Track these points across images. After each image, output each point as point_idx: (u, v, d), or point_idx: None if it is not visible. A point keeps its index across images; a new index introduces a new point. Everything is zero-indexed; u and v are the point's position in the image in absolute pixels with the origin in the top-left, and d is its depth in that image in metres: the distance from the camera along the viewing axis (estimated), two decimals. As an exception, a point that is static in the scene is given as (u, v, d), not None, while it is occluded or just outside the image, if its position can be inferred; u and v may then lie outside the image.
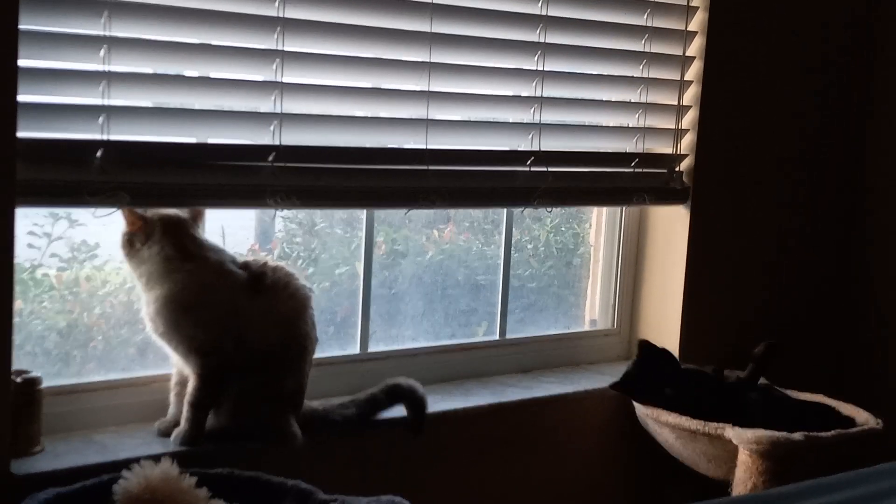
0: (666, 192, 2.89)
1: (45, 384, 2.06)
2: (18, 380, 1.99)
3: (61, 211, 2.16)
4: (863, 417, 2.62)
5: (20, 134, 1.87)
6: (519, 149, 2.62)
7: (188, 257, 2.11)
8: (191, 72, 2.22)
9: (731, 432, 2.45)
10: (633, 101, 2.83)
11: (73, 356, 2.22)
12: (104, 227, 2.11)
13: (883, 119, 3.30)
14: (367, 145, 2.43)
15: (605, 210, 3.02)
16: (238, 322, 2.14)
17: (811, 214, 3.27)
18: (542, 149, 2.62)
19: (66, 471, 1.95)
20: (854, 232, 3.35)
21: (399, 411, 2.39)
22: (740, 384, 2.72)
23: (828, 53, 3.21)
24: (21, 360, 2.09)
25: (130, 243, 2.11)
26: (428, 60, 2.41)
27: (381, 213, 2.58)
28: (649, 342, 2.73)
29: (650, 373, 2.67)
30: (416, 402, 2.37)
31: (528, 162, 2.60)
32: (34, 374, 2.04)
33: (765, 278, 3.18)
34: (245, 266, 2.19)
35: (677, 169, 2.91)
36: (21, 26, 1.86)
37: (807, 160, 3.23)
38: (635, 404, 2.69)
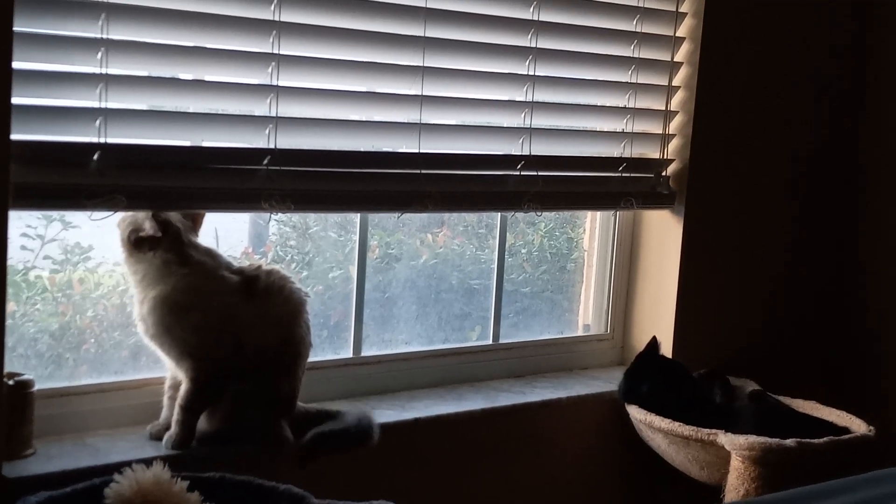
0: (653, 197, 2.90)
1: (38, 387, 2.05)
2: (10, 382, 1.99)
3: (55, 213, 2.16)
4: (855, 424, 2.62)
5: (15, 136, 1.86)
6: (510, 153, 2.63)
7: (185, 262, 2.11)
8: (187, 75, 2.23)
9: (724, 438, 2.45)
10: (621, 105, 2.84)
11: (66, 359, 2.21)
12: (98, 228, 2.10)
13: (877, 123, 3.31)
14: (362, 149, 2.43)
15: (598, 215, 3.03)
16: (233, 326, 2.13)
17: (804, 219, 3.28)
18: (533, 153, 2.63)
19: (57, 474, 1.95)
20: (846, 237, 3.36)
21: (390, 416, 2.40)
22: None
23: (818, 58, 3.22)
24: (13, 363, 2.09)
25: (138, 245, 2.10)
26: (421, 65, 2.42)
27: (375, 217, 2.58)
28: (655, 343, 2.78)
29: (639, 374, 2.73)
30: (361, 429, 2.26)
31: (519, 166, 2.60)
32: (26, 376, 2.03)
33: (758, 283, 3.19)
34: (239, 271, 2.19)
35: (664, 174, 2.92)
36: (17, 28, 1.85)
37: (798, 164, 3.23)
38: (628, 409, 2.69)
